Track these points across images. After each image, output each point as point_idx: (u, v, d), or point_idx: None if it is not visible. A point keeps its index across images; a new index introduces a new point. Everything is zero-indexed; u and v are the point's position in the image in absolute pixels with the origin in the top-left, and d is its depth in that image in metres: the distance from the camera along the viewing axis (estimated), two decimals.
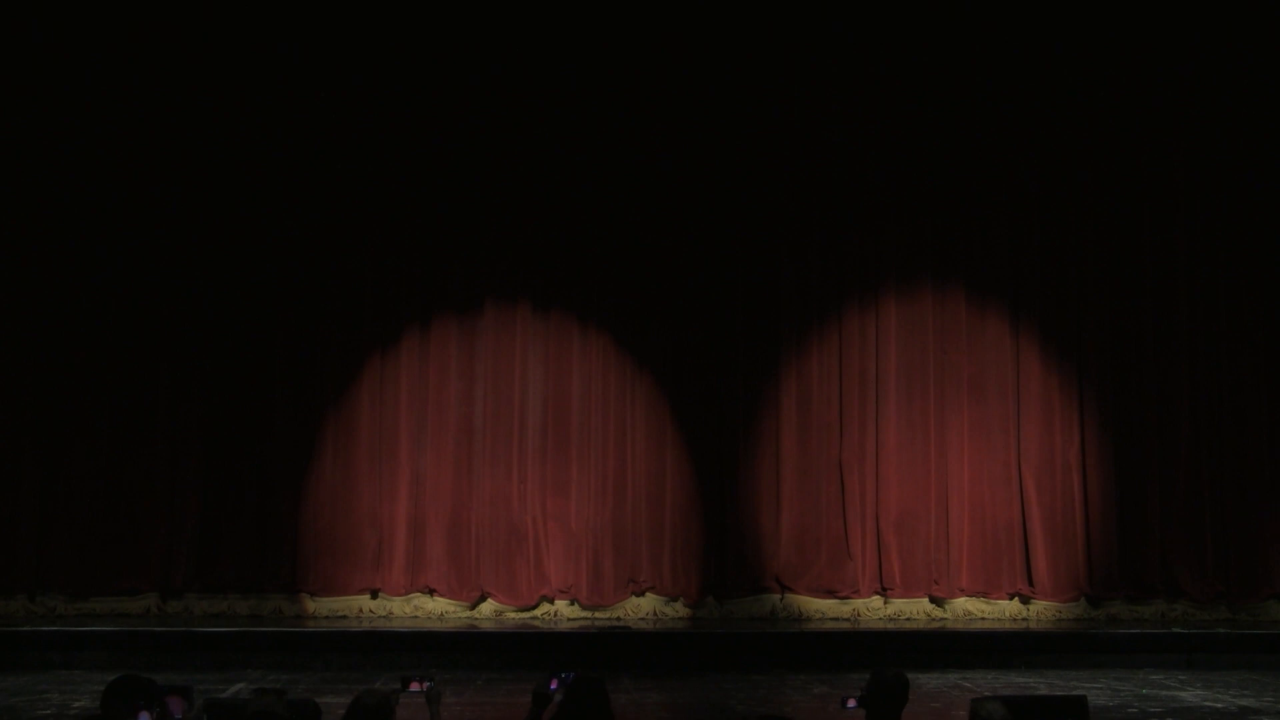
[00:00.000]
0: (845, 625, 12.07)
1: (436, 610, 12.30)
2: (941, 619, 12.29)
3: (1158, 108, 13.08)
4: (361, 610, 12.21)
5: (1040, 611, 12.39)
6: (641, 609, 12.39)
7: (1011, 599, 12.47)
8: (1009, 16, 12.98)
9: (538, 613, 12.29)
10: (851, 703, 5.42)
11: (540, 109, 12.85)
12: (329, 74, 12.71)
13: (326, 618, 12.03)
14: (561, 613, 12.28)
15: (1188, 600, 12.39)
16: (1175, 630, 11.57)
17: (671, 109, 12.92)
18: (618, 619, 12.19)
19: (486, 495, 12.50)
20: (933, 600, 12.46)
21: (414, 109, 12.79)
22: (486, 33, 12.84)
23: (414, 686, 5.60)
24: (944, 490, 12.61)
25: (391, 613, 12.22)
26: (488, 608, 12.31)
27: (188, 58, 12.60)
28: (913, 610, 12.42)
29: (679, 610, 12.38)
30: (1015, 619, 12.33)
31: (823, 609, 12.42)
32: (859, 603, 12.45)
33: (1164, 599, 12.43)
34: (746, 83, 12.94)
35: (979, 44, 12.99)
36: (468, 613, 12.25)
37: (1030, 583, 12.44)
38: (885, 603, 12.46)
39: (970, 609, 12.43)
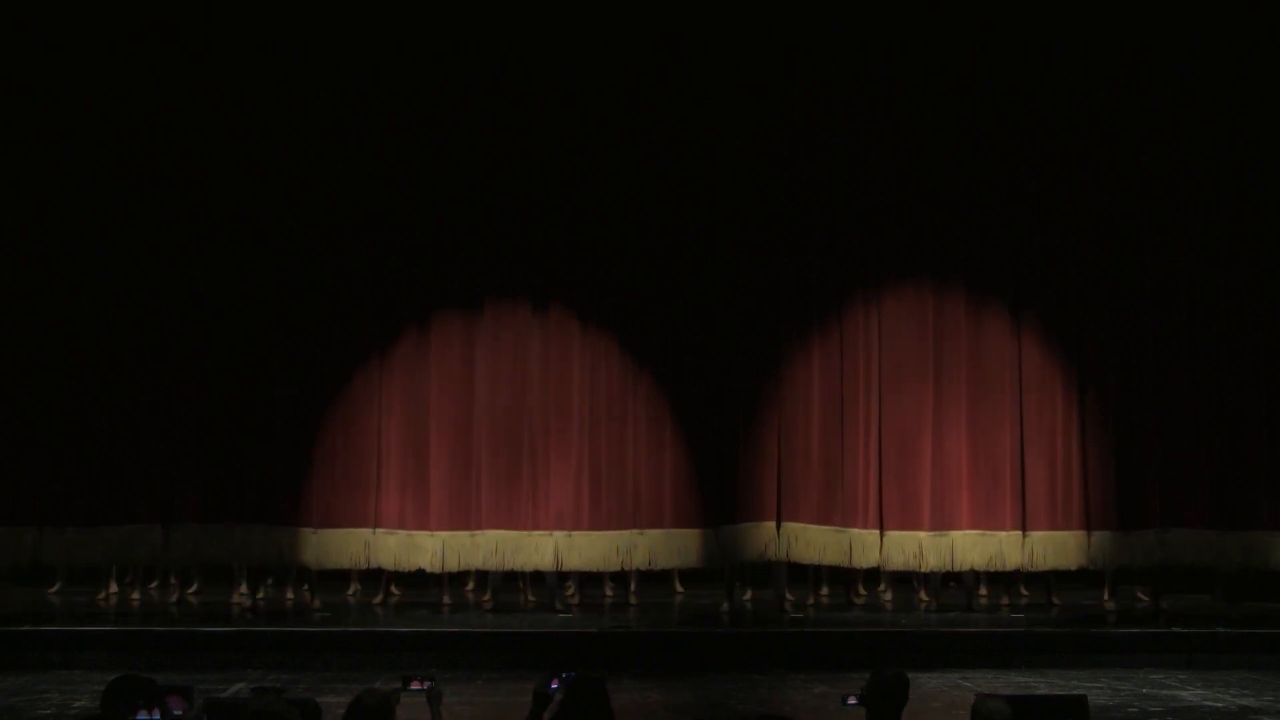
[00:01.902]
0: (844, 630, 12.03)
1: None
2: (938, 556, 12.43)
3: (1158, 108, 13.07)
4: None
5: (1037, 544, 12.48)
6: (639, 546, 12.45)
7: (1009, 532, 12.56)
8: (1009, 16, 12.98)
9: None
10: (852, 700, 5.42)
11: (540, 109, 12.83)
12: (329, 74, 12.71)
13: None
14: (560, 546, 12.36)
15: (1183, 528, 12.51)
16: (1175, 630, 11.56)
17: (671, 109, 12.90)
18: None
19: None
20: (930, 532, 12.54)
21: (414, 109, 12.77)
22: (486, 33, 12.83)
23: (414, 686, 5.59)
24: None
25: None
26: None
27: (188, 58, 12.59)
28: (910, 542, 12.48)
29: (677, 539, 12.44)
30: (1009, 558, 12.49)
31: (818, 537, 12.48)
32: (856, 533, 12.50)
33: (1159, 526, 12.56)
34: (746, 83, 12.93)
35: (979, 44, 12.98)
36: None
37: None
38: (882, 534, 12.51)
39: (967, 542, 12.51)
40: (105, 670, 8.38)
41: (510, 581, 12.78)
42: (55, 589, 13.19)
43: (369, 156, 12.69)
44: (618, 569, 12.71)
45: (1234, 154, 12.99)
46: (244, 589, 12.59)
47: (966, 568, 12.55)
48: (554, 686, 5.51)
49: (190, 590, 12.92)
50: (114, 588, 13.03)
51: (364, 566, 12.59)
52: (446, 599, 12.64)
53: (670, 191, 12.80)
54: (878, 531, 12.56)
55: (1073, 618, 12.28)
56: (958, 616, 12.16)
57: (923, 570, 12.65)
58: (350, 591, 13.27)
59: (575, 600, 12.66)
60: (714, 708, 9.15)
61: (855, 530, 12.54)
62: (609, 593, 13.29)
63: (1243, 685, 9.98)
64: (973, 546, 12.53)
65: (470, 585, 13.56)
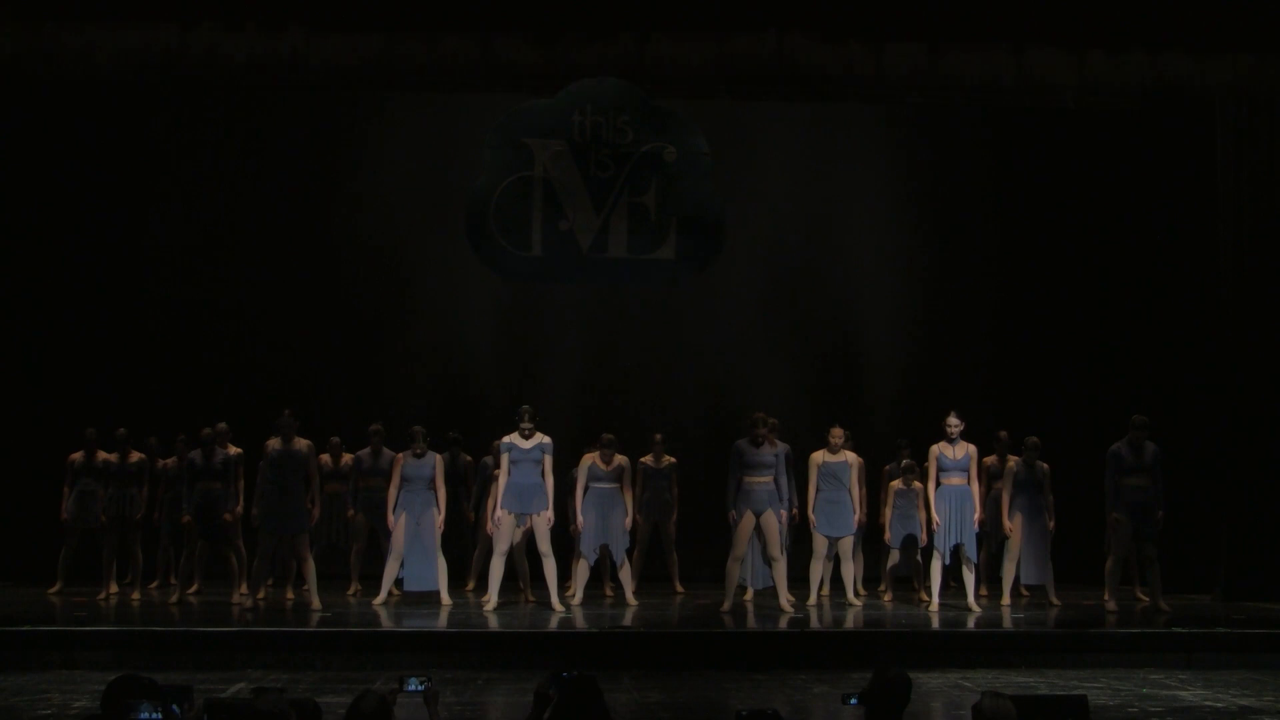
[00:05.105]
0: (844, 630, 12.05)
1: None
2: None
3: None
4: None
5: None
6: None
7: None
8: None
9: None
10: (853, 700, 5.42)
11: None
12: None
13: None
14: None
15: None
16: (1175, 630, 11.56)
17: None
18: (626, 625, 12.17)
19: None
20: None
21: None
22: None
23: (411, 687, 5.58)
24: None
25: None
26: None
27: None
28: None
29: None
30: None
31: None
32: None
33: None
34: None
35: None
36: None
37: None
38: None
39: None
40: (105, 670, 8.41)
41: (510, 581, 12.78)
42: (55, 589, 13.19)
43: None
44: None
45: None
46: (244, 589, 12.58)
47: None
48: (554, 686, 5.51)
49: (190, 590, 12.92)
50: (114, 588, 13.03)
51: None
52: (446, 599, 12.63)
53: None
54: None
55: (1073, 618, 12.27)
56: (958, 616, 12.15)
57: None
58: (350, 591, 13.27)
59: (575, 600, 12.65)
60: (714, 708, 9.15)
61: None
62: (609, 593, 13.30)
63: (1243, 685, 9.97)
64: None
65: (470, 585, 13.57)
